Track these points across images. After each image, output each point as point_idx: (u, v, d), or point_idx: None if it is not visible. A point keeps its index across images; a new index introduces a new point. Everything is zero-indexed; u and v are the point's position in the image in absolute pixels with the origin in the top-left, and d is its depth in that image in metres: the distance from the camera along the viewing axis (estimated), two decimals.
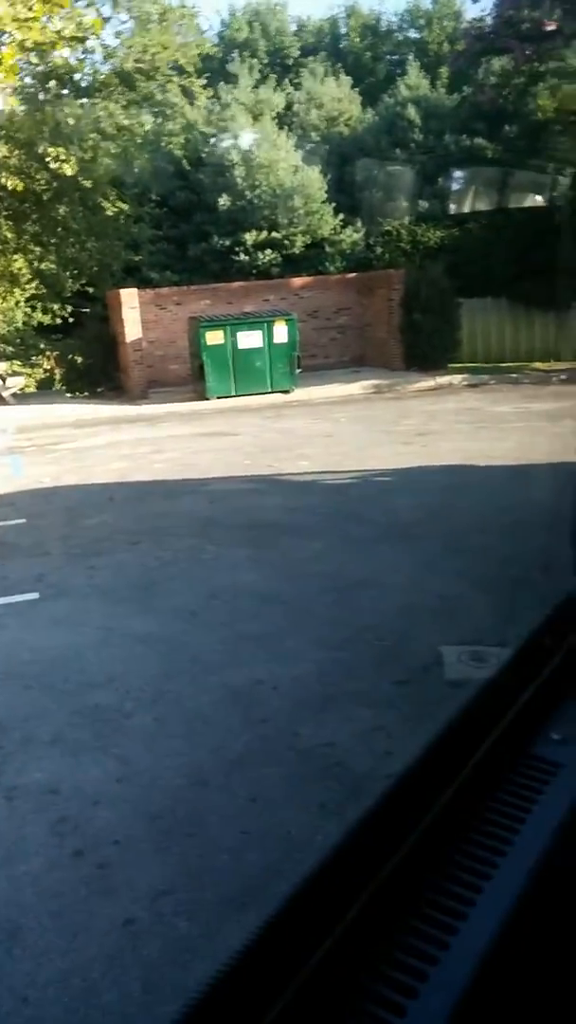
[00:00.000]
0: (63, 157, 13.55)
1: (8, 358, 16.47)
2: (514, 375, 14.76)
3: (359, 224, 17.98)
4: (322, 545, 6.02)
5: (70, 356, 15.66)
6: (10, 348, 16.62)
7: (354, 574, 5.32)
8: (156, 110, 17.49)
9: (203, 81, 17.60)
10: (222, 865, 2.61)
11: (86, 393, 15.70)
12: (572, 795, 0.77)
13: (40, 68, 13.97)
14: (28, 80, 14.25)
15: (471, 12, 28.04)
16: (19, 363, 16.78)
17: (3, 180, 13.69)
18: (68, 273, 16.11)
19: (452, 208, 17.67)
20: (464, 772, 0.75)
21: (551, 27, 14.30)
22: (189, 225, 17.96)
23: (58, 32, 12.60)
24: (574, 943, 0.67)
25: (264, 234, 17.23)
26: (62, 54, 13.65)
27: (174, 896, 2.49)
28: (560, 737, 0.85)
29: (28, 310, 16.95)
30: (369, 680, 3.86)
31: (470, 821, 0.74)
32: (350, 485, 7.92)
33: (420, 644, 4.18)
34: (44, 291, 16.34)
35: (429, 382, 14.45)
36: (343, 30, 25.12)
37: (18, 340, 16.53)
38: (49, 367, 17.33)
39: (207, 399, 13.88)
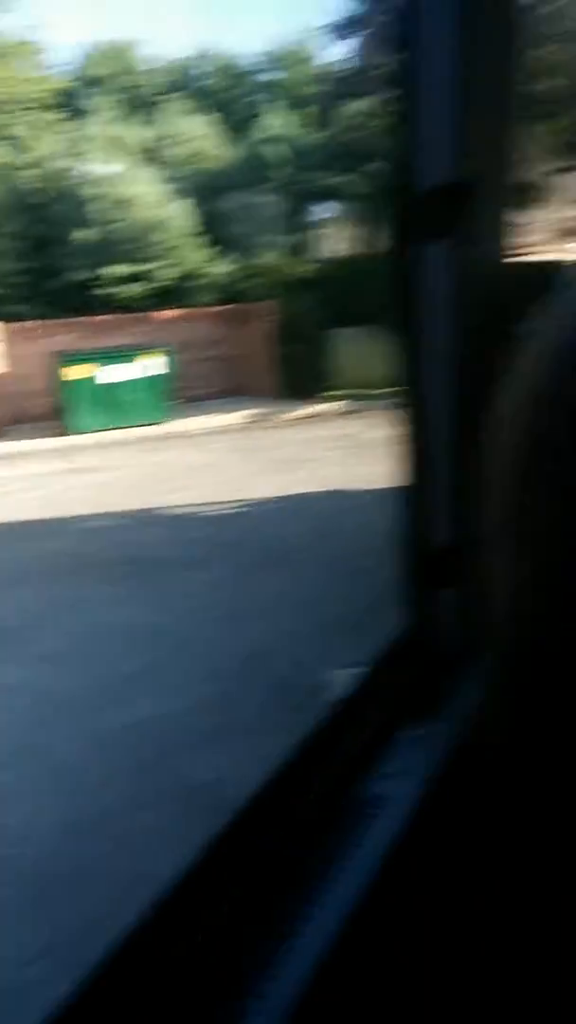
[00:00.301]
0: None
1: None
2: (388, 401, 15.15)
3: (229, 257, 18.17)
4: (204, 576, 5.91)
5: None
6: None
7: (238, 603, 5.25)
8: (11, 143, 17.15)
9: (61, 115, 17.37)
10: (104, 919, 2.44)
11: None
12: (396, 828, 0.77)
13: None
14: None
15: (332, 55, 29.19)
16: None
17: None
18: None
19: (320, 241, 18.13)
20: (296, 809, 0.73)
21: None
22: (51, 258, 17.65)
23: None
24: (390, 981, 0.70)
25: (130, 267, 17.15)
26: None
27: (49, 959, 2.31)
28: (387, 771, 0.85)
29: None
30: (258, 710, 3.78)
31: (301, 857, 0.73)
32: (231, 515, 7.86)
33: (309, 669, 4.13)
34: None
35: (306, 410, 14.65)
36: (204, 68, 25.53)
37: None
38: None
39: (77, 434, 13.54)
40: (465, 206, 0.88)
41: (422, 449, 0.99)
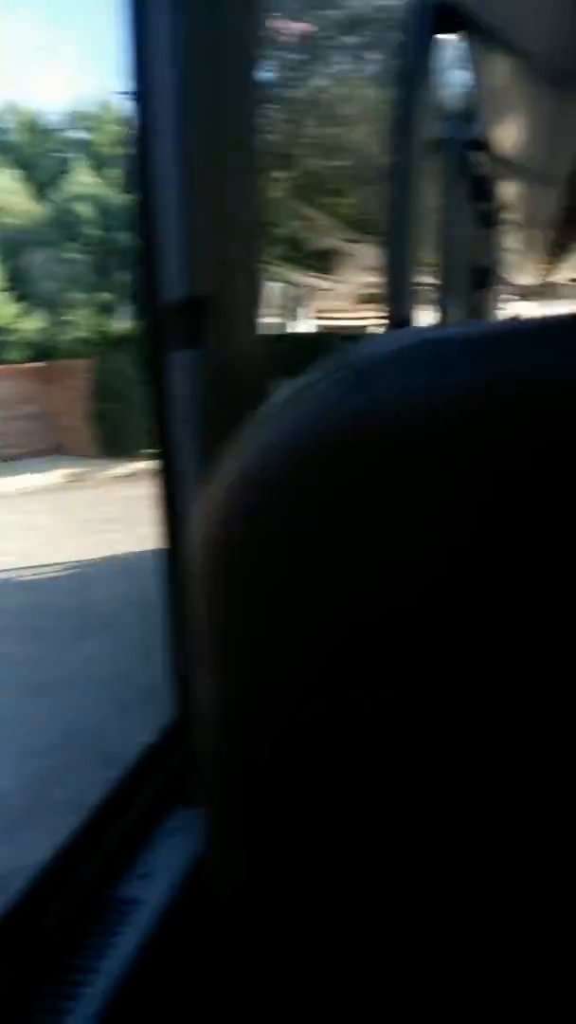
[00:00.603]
0: None
1: None
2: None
3: (39, 314, 17.83)
4: (17, 648, 5.67)
5: None
6: None
7: (56, 673, 5.07)
8: None
9: None
10: None
11: None
12: (148, 929, 0.77)
13: None
14: None
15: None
16: None
17: None
18: None
19: (130, 300, 18.23)
20: (54, 909, 0.72)
21: None
22: None
23: None
24: None
25: None
26: None
27: None
28: (143, 872, 0.85)
29: None
30: (78, 785, 3.65)
31: (51, 970, 0.72)
32: (49, 579, 7.60)
33: (133, 739, 4.04)
34: None
35: (125, 468, 14.51)
36: (7, 123, 25.15)
37: None
38: None
39: None
40: (207, 317, 0.91)
41: (176, 533, 1.03)
